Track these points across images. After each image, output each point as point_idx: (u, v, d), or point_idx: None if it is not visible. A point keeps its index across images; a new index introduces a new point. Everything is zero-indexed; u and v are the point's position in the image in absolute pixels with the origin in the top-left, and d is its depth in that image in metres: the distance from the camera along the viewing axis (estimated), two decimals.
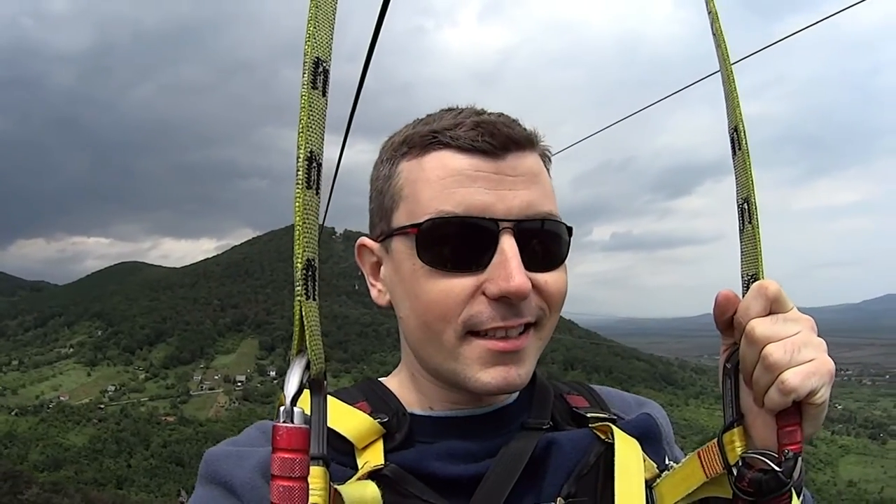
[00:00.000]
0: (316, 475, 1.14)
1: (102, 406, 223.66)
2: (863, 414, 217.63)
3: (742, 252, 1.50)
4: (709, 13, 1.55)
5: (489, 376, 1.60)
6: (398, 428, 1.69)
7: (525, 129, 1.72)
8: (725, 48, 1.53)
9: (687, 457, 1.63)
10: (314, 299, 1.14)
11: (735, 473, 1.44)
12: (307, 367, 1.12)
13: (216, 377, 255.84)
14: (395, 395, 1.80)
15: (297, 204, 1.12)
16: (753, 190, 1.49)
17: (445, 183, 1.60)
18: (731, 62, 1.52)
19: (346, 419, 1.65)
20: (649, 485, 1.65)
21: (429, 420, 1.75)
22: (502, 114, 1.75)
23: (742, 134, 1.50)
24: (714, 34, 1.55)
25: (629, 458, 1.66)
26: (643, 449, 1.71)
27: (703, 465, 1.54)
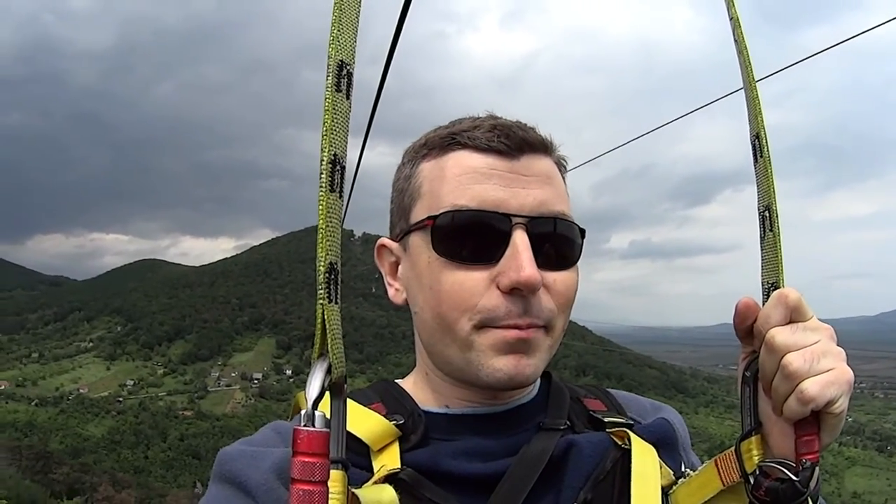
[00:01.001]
0: (335, 479, 1.14)
1: (121, 399, 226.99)
2: (872, 427, 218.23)
3: (763, 260, 1.50)
4: (730, 19, 1.55)
5: (501, 363, 1.60)
6: (414, 429, 1.68)
7: (540, 135, 1.75)
8: (747, 54, 1.53)
9: (704, 464, 1.62)
10: (336, 303, 1.14)
11: (752, 482, 1.43)
12: (328, 370, 1.12)
13: (233, 374, 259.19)
14: (410, 396, 1.81)
15: (320, 207, 1.11)
16: (775, 197, 1.49)
17: (461, 180, 1.64)
18: (756, 79, 1.51)
19: (362, 421, 1.64)
20: (665, 491, 1.63)
21: (444, 417, 1.75)
22: (519, 120, 1.78)
23: (763, 141, 1.50)
24: (736, 40, 1.55)
25: (646, 465, 1.64)
26: (659, 455, 1.70)
27: (720, 473, 1.53)
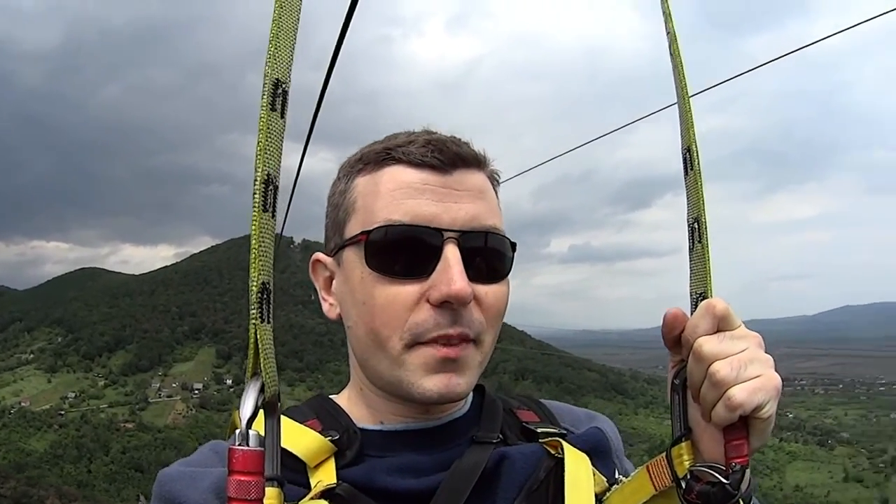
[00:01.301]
0: (271, 496, 1.17)
1: (63, 412, 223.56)
2: (813, 422, 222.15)
3: (691, 270, 1.54)
4: (667, 33, 1.59)
5: (431, 383, 1.63)
6: (349, 444, 1.71)
7: (474, 150, 1.78)
8: (682, 69, 1.56)
9: (636, 470, 1.66)
10: (269, 322, 1.17)
11: (684, 486, 1.47)
12: (261, 389, 1.15)
13: (174, 385, 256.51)
14: (345, 412, 1.83)
15: (253, 228, 1.13)
16: (704, 210, 1.53)
17: (395, 195, 1.66)
18: (691, 94, 1.59)
19: (298, 438, 1.66)
20: (599, 498, 1.66)
21: (379, 434, 1.77)
22: (454, 135, 1.81)
23: (695, 154, 1.54)
24: (672, 54, 1.58)
25: (579, 473, 1.68)
26: (593, 463, 1.74)
27: (651, 479, 1.57)
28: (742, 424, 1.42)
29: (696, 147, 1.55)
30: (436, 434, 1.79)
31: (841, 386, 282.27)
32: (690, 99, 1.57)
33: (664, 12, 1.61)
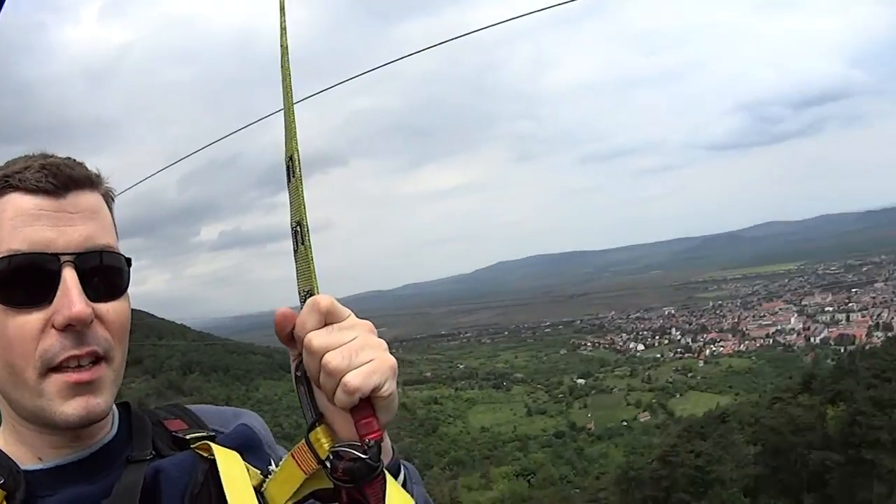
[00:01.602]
0: None
1: None
2: (485, 369, 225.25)
3: (297, 271, 1.62)
4: (281, 47, 1.68)
5: (71, 408, 1.64)
6: (16, 487, 1.67)
7: (87, 171, 1.80)
8: (290, 83, 1.68)
9: (283, 459, 1.73)
10: None
11: (329, 466, 1.56)
12: None
13: None
14: (5, 454, 1.78)
15: None
16: (305, 214, 1.62)
17: (14, 223, 1.65)
18: (295, 100, 1.66)
19: None
20: (259, 490, 1.73)
21: (42, 473, 1.75)
22: (69, 157, 1.82)
23: (297, 163, 1.64)
24: (282, 67, 1.68)
25: (233, 470, 1.73)
26: (245, 458, 1.81)
27: (299, 464, 1.65)
28: (367, 404, 1.54)
29: (297, 156, 1.65)
30: (93, 462, 1.80)
31: (507, 333, 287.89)
32: (294, 109, 1.68)
33: (280, 27, 1.70)
